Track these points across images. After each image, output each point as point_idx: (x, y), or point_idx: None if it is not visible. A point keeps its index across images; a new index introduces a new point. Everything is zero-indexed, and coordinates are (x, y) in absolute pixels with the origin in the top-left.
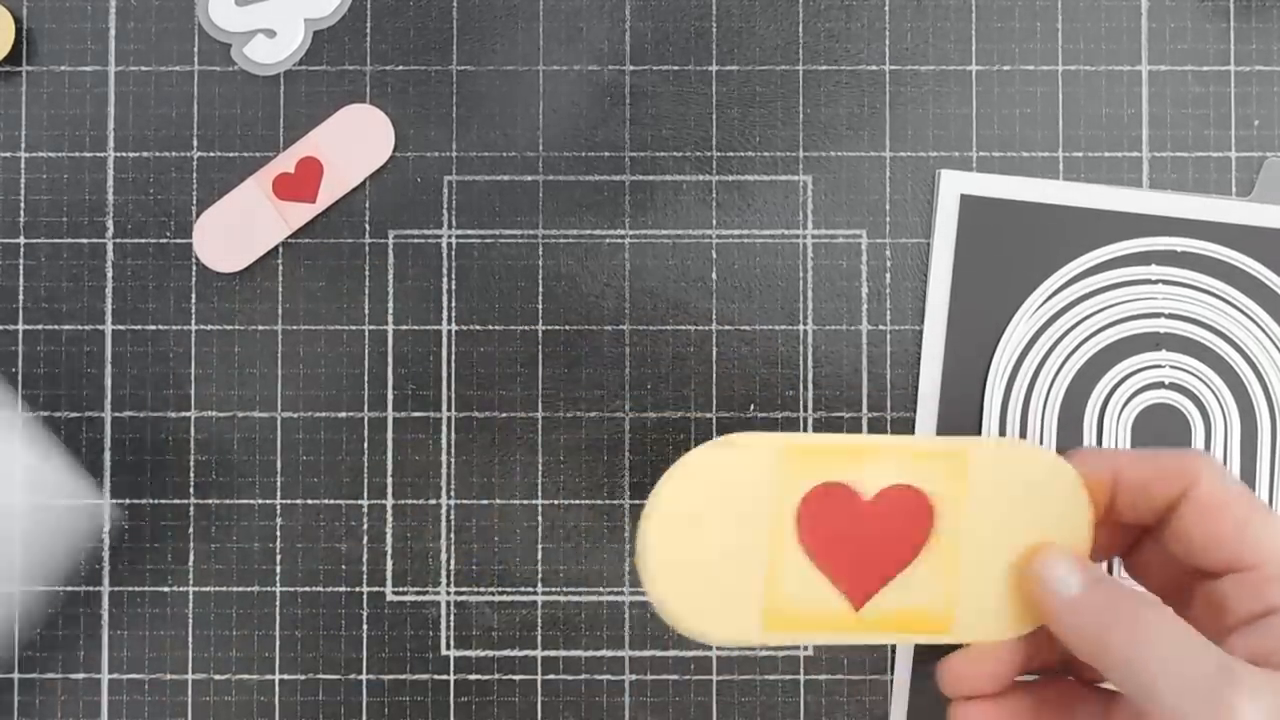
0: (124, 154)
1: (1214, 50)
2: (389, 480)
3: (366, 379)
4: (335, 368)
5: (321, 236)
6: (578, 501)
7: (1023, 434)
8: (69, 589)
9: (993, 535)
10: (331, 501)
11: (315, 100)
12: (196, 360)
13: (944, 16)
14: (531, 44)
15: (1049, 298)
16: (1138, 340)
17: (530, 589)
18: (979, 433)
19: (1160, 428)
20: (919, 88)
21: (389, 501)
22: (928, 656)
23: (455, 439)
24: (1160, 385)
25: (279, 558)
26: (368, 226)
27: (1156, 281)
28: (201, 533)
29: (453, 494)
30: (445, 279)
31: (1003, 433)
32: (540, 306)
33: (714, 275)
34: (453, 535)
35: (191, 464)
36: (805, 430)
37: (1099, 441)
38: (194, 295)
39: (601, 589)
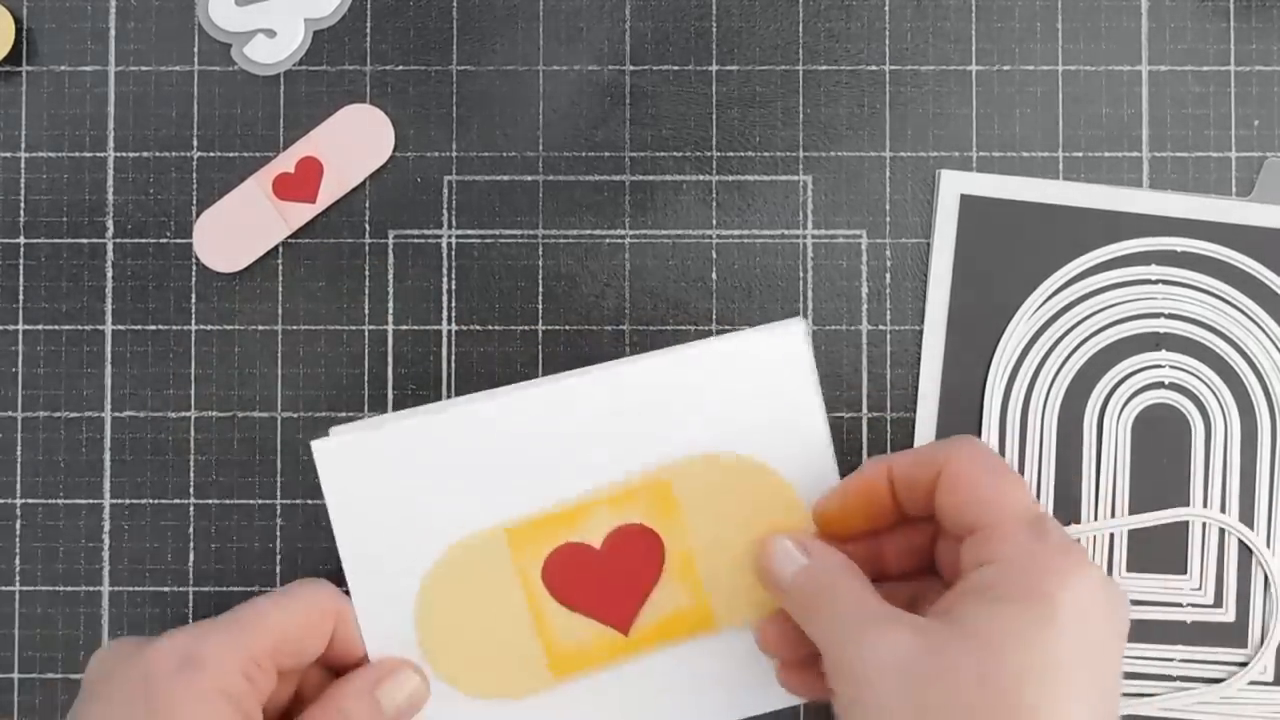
0: (124, 154)
1: (1214, 50)
2: None
3: (366, 379)
4: (335, 368)
5: (321, 236)
6: None
7: (1023, 434)
8: (69, 589)
9: (718, 539)
10: None
11: (315, 100)
12: (196, 360)
13: (944, 16)
14: (531, 44)
15: (1049, 298)
16: (1138, 340)
17: None
18: (979, 432)
19: (1160, 428)
20: (919, 88)
21: None
22: None
23: None
24: (1160, 385)
25: (279, 558)
26: (368, 226)
27: (1156, 281)
28: (201, 533)
29: None
30: (445, 279)
31: (1003, 432)
32: (540, 306)
33: (714, 275)
34: None
35: (191, 464)
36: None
37: (1099, 441)
38: (194, 295)
39: None
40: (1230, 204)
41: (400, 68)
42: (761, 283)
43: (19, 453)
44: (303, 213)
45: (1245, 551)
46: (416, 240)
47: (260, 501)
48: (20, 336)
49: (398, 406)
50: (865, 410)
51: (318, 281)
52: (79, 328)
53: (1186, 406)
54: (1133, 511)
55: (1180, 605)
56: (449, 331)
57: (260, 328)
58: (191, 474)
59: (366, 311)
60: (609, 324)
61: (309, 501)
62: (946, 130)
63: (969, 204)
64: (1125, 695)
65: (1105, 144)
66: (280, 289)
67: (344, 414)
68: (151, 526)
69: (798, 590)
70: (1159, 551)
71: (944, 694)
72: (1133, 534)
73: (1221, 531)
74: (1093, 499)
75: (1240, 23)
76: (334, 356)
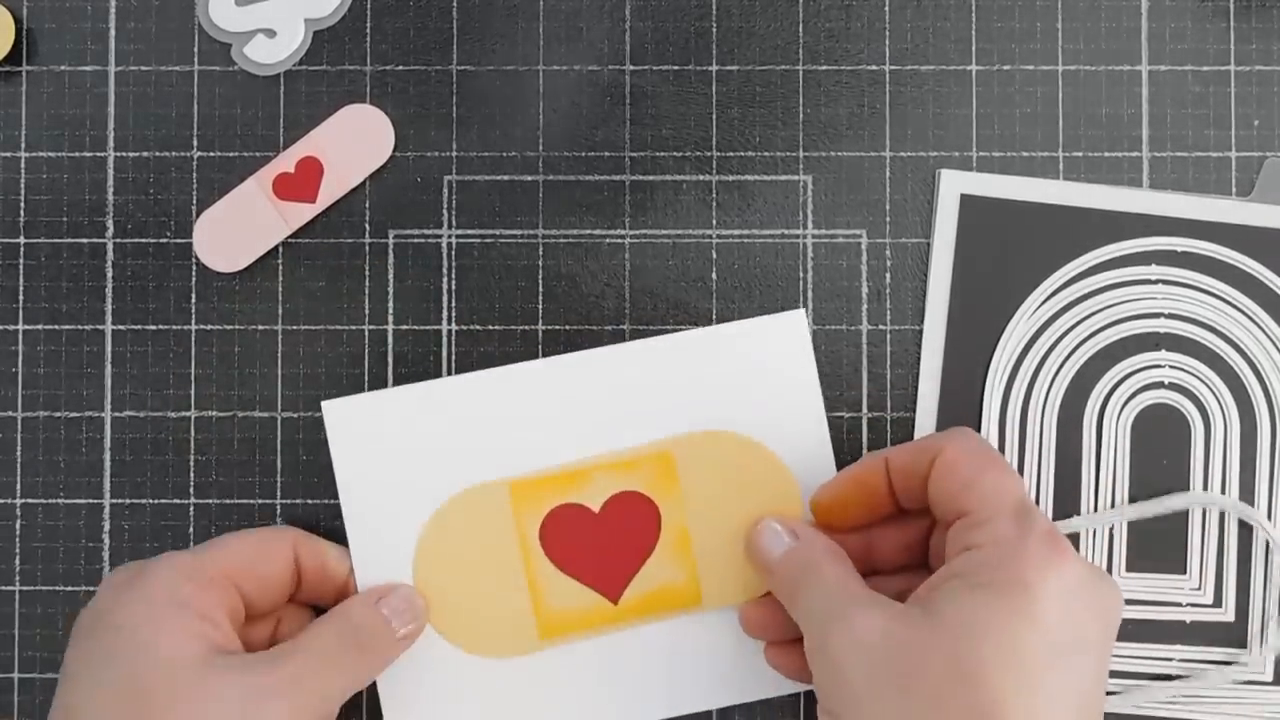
0: (124, 154)
1: (1214, 50)
2: None
3: (366, 379)
4: (335, 368)
5: (321, 236)
6: None
7: (1023, 433)
8: (69, 588)
9: (713, 516)
10: (331, 502)
11: (315, 100)
12: (196, 360)
13: (944, 16)
14: (531, 44)
15: (1049, 298)
16: (1138, 340)
17: None
18: (979, 432)
19: (1160, 428)
20: (919, 88)
21: None
22: None
23: None
24: (1160, 385)
25: None
26: (368, 226)
27: (1156, 281)
28: (201, 532)
29: None
30: (445, 279)
31: (1003, 432)
32: (540, 306)
33: (714, 275)
34: None
35: (191, 464)
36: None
37: (1098, 441)
38: (194, 295)
39: None
40: (1230, 204)
41: (400, 68)
42: (761, 283)
43: (19, 453)
44: (303, 213)
45: (1244, 551)
46: (416, 240)
47: (260, 501)
48: (20, 336)
49: None
50: (865, 410)
51: (318, 281)
52: (79, 328)
53: (1186, 406)
54: None
55: (1179, 605)
56: (449, 331)
57: (260, 328)
58: (191, 474)
59: (366, 311)
60: (609, 324)
61: (309, 501)
62: (946, 130)
63: (969, 204)
64: (1124, 694)
65: (1105, 144)
66: (280, 289)
67: None
68: (151, 526)
69: (783, 570)
70: (1158, 551)
71: (913, 679)
72: (1132, 534)
73: (1221, 531)
74: (1092, 499)
75: (1240, 22)
76: (334, 356)
